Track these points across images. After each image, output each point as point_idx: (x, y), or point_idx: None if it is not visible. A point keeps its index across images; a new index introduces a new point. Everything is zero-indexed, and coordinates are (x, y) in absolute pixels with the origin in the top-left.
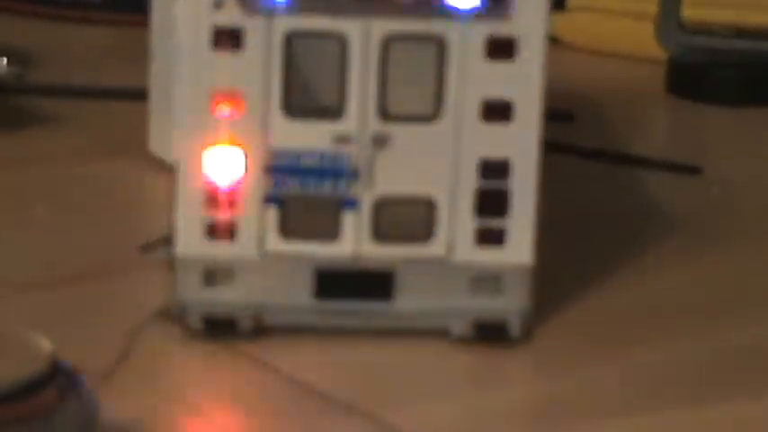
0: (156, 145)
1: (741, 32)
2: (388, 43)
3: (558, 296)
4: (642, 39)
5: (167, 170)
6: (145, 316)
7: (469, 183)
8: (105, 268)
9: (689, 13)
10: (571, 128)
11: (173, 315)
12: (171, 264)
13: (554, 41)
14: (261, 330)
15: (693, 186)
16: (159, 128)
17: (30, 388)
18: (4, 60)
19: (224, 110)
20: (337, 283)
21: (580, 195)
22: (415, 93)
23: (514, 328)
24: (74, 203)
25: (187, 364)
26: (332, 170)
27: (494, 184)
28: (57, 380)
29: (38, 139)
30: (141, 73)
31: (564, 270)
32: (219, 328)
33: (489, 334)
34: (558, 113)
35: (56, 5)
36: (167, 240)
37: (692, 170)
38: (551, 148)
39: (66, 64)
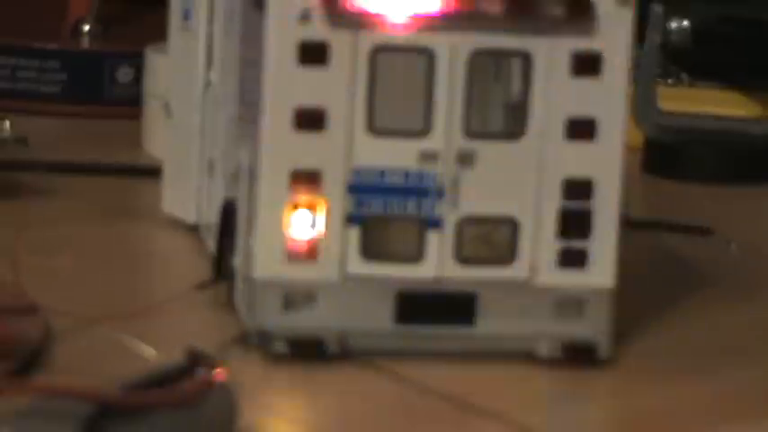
0: (170, 205)
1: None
2: (474, 59)
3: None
4: None
5: (182, 229)
6: (217, 344)
7: (553, 203)
8: (152, 309)
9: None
10: None
11: (250, 341)
12: (227, 300)
13: None
14: (344, 354)
15: (709, 245)
16: (173, 188)
17: (175, 375)
18: (7, 123)
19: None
20: (420, 306)
21: None
22: (499, 109)
23: (603, 349)
24: (99, 256)
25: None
26: (417, 189)
27: (577, 204)
28: (200, 370)
29: (40, 207)
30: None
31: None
32: (306, 351)
33: (577, 355)
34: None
35: (14, 97)
36: (223, 277)
37: (704, 231)
38: None
39: (31, 149)
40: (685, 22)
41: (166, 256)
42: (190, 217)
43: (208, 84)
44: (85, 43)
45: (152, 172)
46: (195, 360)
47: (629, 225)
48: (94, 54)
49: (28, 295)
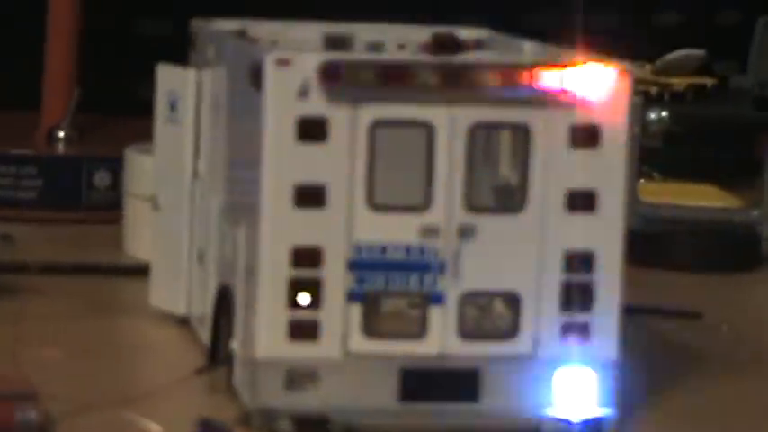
0: (157, 298)
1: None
2: (474, 132)
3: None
4: None
5: (172, 322)
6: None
7: (555, 276)
8: (152, 393)
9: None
10: None
11: (254, 421)
12: (226, 384)
13: None
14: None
15: (700, 330)
16: (162, 281)
17: None
18: None
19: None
20: (423, 383)
21: None
22: (499, 183)
23: (609, 422)
24: (91, 349)
25: None
26: (418, 264)
27: (579, 277)
28: None
29: (33, 305)
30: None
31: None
32: (310, 430)
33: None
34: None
35: None
36: (223, 362)
37: (693, 316)
38: None
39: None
40: (664, 113)
41: (158, 348)
42: (179, 309)
43: (195, 174)
44: (61, 149)
45: (138, 271)
46: (208, 428)
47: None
48: (71, 159)
49: (29, 383)
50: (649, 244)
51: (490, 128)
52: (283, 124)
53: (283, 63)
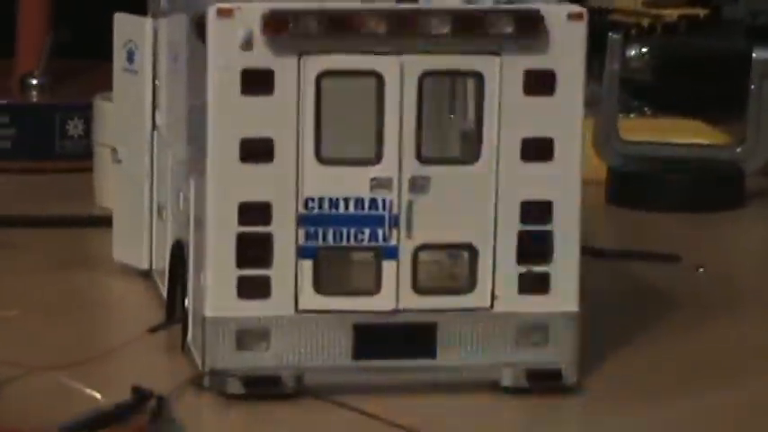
0: (120, 252)
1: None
2: (424, 81)
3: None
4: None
5: (135, 276)
6: (171, 387)
7: (511, 227)
8: (104, 355)
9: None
10: None
11: (204, 382)
12: (181, 342)
13: None
14: (302, 391)
15: (677, 272)
16: (124, 235)
17: (124, 413)
18: None
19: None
20: (378, 339)
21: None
22: (452, 133)
23: (569, 376)
24: (50, 306)
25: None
26: (370, 218)
27: (536, 227)
28: (145, 406)
29: None
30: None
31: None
32: (261, 390)
33: (542, 384)
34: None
35: None
36: (176, 320)
37: (671, 258)
38: None
39: None
40: (644, 49)
41: (119, 304)
42: (142, 263)
43: (154, 127)
44: (34, 97)
45: (104, 222)
46: (141, 398)
47: (595, 254)
48: (44, 107)
49: None
50: (630, 183)
51: (441, 76)
52: (227, 77)
53: (226, 13)
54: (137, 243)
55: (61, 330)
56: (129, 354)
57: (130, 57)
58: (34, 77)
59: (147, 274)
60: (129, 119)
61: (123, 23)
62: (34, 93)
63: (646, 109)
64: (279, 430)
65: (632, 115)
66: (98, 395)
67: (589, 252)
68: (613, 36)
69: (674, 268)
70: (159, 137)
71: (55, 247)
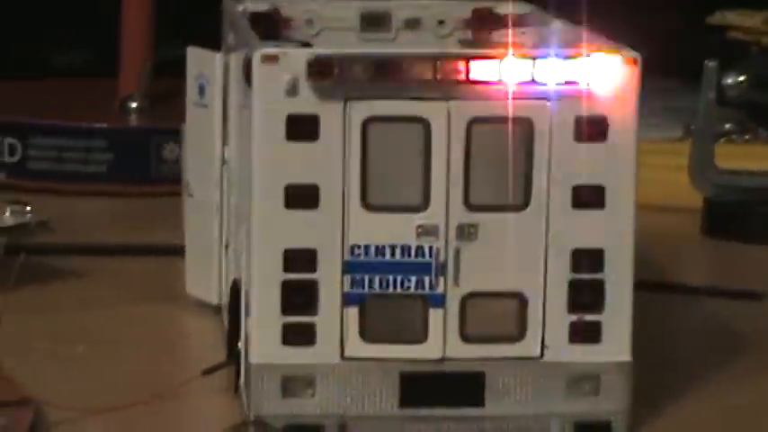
0: (192, 286)
1: None
2: (472, 127)
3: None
4: (677, 188)
5: (207, 311)
6: None
7: (562, 276)
8: (161, 395)
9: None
10: None
11: (248, 429)
12: (235, 384)
13: None
14: None
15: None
16: (195, 270)
17: None
18: (28, 207)
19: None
20: (424, 388)
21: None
22: (501, 179)
23: (619, 428)
24: (114, 343)
25: None
26: (417, 265)
27: (588, 276)
28: None
29: (67, 291)
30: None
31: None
32: None
33: None
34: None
35: (60, 179)
36: (229, 362)
37: (752, 296)
38: None
39: (74, 231)
40: (741, 78)
41: (186, 341)
42: (212, 298)
43: (223, 161)
44: (133, 120)
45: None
46: None
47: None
48: (141, 131)
49: (19, 389)
50: (724, 214)
51: (490, 122)
52: (272, 122)
53: (271, 59)
54: (207, 277)
55: (122, 368)
56: (183, 396)
57: (201, 91)
58: (134, 100)
59: (218, 310)
60: (199, 153)
61: (195, 57)
62: (133, 116)
63: (761, 131)
64: None
65: (747, 137)
66: None
67: (657, 287)
68: (709, 64)
69: (760, 306)
70: (228, 171)
71: (135, 277)
